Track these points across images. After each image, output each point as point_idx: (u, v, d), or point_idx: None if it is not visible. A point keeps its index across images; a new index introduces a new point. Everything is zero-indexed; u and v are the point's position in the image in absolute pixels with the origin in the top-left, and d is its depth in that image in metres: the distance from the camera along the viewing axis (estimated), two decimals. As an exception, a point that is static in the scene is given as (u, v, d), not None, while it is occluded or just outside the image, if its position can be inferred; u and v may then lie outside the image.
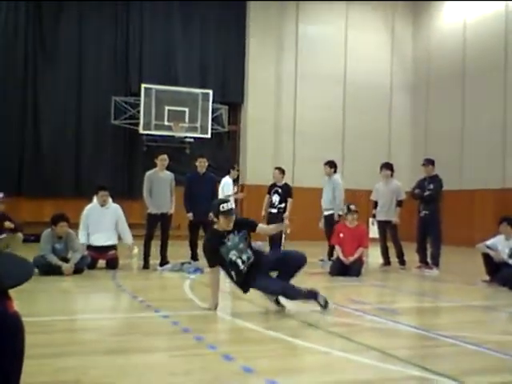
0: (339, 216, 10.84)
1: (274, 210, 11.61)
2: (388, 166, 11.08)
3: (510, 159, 15.95)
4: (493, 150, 16.42)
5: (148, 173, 9.93)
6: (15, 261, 2.60)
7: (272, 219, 11.53)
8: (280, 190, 11.61)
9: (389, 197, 10.77)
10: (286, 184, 11.72)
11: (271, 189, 11.85)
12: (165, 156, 9.90)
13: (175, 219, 11.10)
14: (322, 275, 9.27)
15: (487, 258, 8.58)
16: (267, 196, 11.84)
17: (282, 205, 11.45)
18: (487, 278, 8.61)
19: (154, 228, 9.77)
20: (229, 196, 11.94)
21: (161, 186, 9.74)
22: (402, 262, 10.65)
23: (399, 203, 10.70)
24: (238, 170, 12.95)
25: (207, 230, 10.07)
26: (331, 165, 11.31)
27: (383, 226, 10.87)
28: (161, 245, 9.73)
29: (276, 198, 11.66)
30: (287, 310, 5.83)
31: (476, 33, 17.54)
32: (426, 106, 19.43)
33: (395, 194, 10.74)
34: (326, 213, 11.15)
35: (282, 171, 11.84)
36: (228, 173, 12.39)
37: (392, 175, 10.96)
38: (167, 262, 9.63)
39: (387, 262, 10.74)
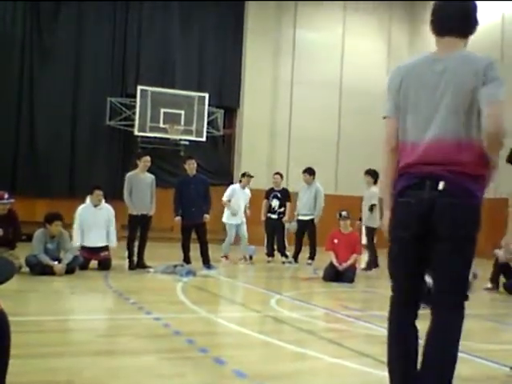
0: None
1: (274, 216, 11.77)
2: (367, 172, 10.94)
3: (501, 168, 15.92)
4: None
5: (128, 174, 9.91)
6: None
7: (272, 225, 11.73)
8: (279, 195, 11.82)
9: (365, 202, 10.77)
10: (284, 189, 12.04)
11: (269, 194, 11.96)
12: (148, 158, 9.91)
13: (169, 222, 11.09)
14: (315, 280, 9.26)
15: (500, 266, 8.54)
16: (265, 201, 11.95)
17: (282, 209, 11.74)
18: (489, 285, 8.61)
19: (136, 229, 9.72)
20: (234, 211, 11.62)
21: (141, 188, 9.69)
22: (368, 267, 10.64)
23: (370, 208, 10.62)
24: (250, 176, 11.97)
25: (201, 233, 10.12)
26: (310, 172, 11.63)
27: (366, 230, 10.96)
28: (138, 246, 9.68)
29: (276, 203, 11.83)
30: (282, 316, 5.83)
31: (472, 42, 17.52)
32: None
33: (368, 199, 10.70)
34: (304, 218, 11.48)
35: (282, 176, 12.09)
36: (239, 181, 12.11)
37: (375, 182, 10.76)
38: (146, 266, 9.53)
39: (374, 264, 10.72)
